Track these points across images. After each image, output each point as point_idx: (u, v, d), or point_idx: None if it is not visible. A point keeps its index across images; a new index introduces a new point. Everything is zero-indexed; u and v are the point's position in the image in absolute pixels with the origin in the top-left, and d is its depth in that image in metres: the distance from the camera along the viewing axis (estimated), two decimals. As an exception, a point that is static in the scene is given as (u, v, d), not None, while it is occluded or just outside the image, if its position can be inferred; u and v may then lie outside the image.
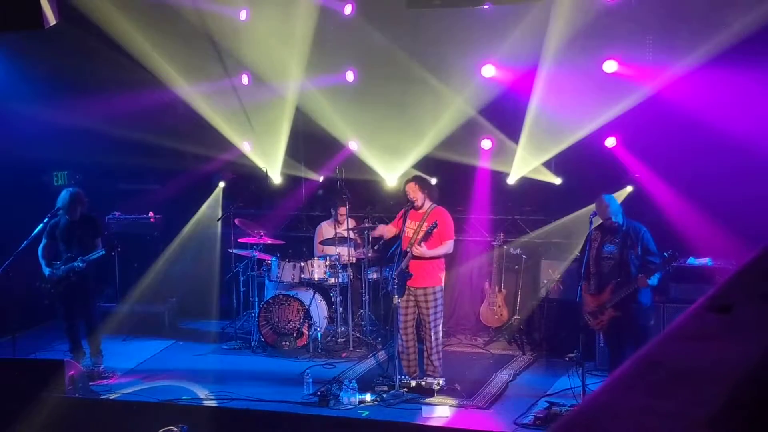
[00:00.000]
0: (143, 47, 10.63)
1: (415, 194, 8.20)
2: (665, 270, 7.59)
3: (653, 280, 7.47)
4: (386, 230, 8.79)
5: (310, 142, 11.46)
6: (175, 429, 5.81)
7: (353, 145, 11.17)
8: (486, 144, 10.60)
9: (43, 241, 9.10)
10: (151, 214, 11.51)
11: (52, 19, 6.76)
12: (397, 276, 8.02)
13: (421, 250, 8.01)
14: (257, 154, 11.62)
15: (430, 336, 8.20)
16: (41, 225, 9.10)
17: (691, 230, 8.81)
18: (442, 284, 8.30)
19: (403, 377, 8.11)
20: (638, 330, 7.70)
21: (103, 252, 8.99)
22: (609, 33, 9.37)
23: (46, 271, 9.04)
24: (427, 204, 8.28)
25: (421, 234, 8.03)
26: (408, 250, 8.03)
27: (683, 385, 1.27)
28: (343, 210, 10.14)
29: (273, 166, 11.53)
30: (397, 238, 8.31)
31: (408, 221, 8.22)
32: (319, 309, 9.92)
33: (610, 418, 1.27)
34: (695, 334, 1.36)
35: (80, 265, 8.85)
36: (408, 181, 8.38)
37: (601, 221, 7.85)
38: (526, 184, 10.42)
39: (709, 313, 1.38)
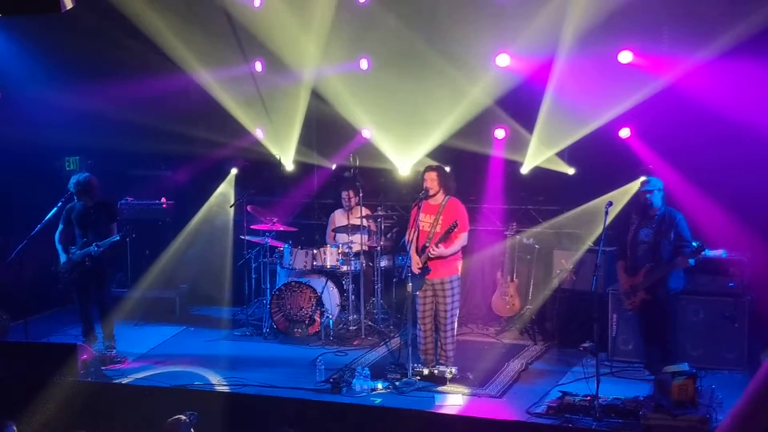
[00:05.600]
0: (159, 31, 10.58)
1: (432, 184, 8.14)
2: (695, 258, 7.86)
3: (691, 261, 7.81)
4: (409, 237, 8.30)
5: (323, 129, 11.45)
6: (184, 417, 5.75)
7: (367, 132, 11.15)
8: (499, 133, 10.57)
9: (60, 226, 9.12)
10: (163, 199, 11.53)
11: (68, 3, 6.73)
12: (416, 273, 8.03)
13: (439, 251, 7.97)
14: (270, 141, 11.60)
15: (446, 326, 8.18)
16: (55, 209, 9.12)
17: (706, 222, 8.75)
18: (459, 273, 8.27)
19: (415, 365, 8.10)
20: (667, 315, 8.02)
21: (118, 237, 9.00)
22: (625, 23, 9.30)
23: (63, 257, 9.07)
24: (441, 195, 8.23)
25: (440, 233, 7.98)
26: (427, 245, 8.01)
27: None
28: (349, 194, 10.18)
29: (286, 153, 11.51)
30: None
31: (422, 214, 8.16)
32: (331, 296, 9.92)
33: None
34: None
35: (95, 249, 8.87)
36: (428, 169, 8.29)
37: (637, 204, 8.20)
38: (539, 173, 10.38)
39: None
